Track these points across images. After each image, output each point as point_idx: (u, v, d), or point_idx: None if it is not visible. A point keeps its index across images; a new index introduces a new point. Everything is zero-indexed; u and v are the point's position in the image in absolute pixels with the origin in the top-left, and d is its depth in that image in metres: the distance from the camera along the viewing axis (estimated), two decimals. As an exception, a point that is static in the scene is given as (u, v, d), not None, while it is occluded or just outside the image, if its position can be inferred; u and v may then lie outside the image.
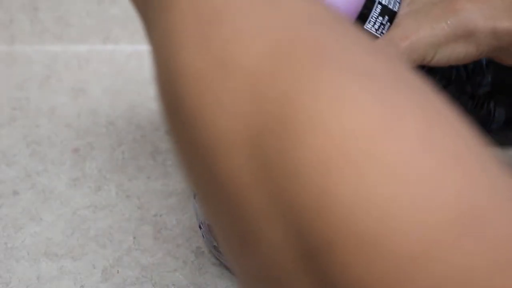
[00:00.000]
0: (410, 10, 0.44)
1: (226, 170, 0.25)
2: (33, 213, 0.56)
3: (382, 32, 0.44)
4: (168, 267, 0.51)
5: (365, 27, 0.44)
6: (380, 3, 0.44)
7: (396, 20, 0.44)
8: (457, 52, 0.42)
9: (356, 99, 0.23)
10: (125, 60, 0.74)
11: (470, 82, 0.48)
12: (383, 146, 0.22)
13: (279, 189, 0.23)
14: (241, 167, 0.24)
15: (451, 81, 0.47)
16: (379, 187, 0.22)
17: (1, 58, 0.74)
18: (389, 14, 0.44)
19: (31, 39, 0.75)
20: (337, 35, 0.26)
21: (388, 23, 0.44)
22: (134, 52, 0.75)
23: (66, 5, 0.74)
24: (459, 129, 0.23)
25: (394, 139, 0.22)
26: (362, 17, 0.44)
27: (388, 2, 0.44)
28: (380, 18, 0.44)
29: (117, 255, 0.52)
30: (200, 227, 0.50)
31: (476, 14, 0.42)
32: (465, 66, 0.47)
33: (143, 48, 0.75)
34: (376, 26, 0.44)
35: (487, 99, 0.48)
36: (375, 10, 0.44)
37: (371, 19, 0.44)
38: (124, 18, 0.74)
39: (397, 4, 0.44)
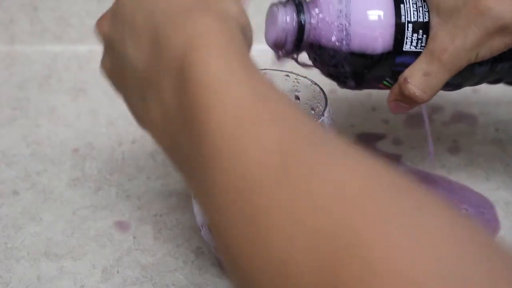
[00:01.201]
0: (440, 20, 0.44)
1: None
2: (33, 213, 0.56)
3: (422, 46, 0.45)
4: (168, 267, 0.51)
5: (404, 49, 0.44)
6: (409, 22, 0.44)
7: (431, 33, 0.44)
8: (496, 46, 0.44)
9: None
10: (125, 60, 0.74)
11: None
12: None
13: None
14: None
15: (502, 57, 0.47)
16: None
17: (1, 58, 0.74)
18: (422, 27, 0.45)
19: (31, 39, 0.75)
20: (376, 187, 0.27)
21: (424, 35, 0.45)
22: (134, 52, 0.75)
23: (66, 5, 0.74)
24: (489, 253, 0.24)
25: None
26: (398, 42, 0.44)
27: (417, 16, 0.44)
28: (415, 35, 0.44)
29: (117, 255, 0.52)
30: (200, 229, 0.50)
31: (501, 8, 0.43)
32: None
33: (143, 48, 0.75)
34: (414, 43, 0.45)
35: None
36: (408, 30, 0.44)
37: (407, 40, 0.45)
38: (124, 18, 0.74)
39: (426, 12, 0.45)
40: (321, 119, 0.45)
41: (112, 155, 0.62)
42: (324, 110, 0.46)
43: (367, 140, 0.63)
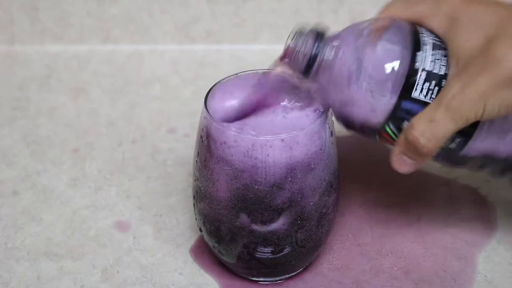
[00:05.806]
0: (457, 70, 0.43)
1: None
2: (33, 213, 0.56)
3: (432, 97, 0.44)
4: (168, 267, 0.51)
5: (413, 96, 0.44)
6: (424, 69, 0.44)
7: (445, 82, 0.44)
8: (506, 100, 0.42)
9: None
10: (125, 60, 0.74)
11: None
12: None
13: None
14: None
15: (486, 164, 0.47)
16: None
17: (1, 58, 0.74)
18: (436, 78, 0.44)
19: (31, 39, 0.75)
20: None
21: (436, 87, 0.44)
22: (134, 52, 0.75)
23: (66, 5, 0.74)
24: None
25: None
26: (409, 86, 0.44)
27: (433, 67, 0.44)
28: (427, 84, 0.43)
29: (117, 255, 0.52)
30: (200, 230, 0.50)
31: None
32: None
33: (143, 48, 0.76)
34: (424, 93, 0.44)
35: None
36: (420, 77, 0.44)
37: (417, 87, 0.43)
38: (124, 18, 0.74)
39: (443, 67, 0.44)
40: (321, 119, 0.45)
41: (112, 155, 0.62)
42: (324, 110, 0.46)
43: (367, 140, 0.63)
